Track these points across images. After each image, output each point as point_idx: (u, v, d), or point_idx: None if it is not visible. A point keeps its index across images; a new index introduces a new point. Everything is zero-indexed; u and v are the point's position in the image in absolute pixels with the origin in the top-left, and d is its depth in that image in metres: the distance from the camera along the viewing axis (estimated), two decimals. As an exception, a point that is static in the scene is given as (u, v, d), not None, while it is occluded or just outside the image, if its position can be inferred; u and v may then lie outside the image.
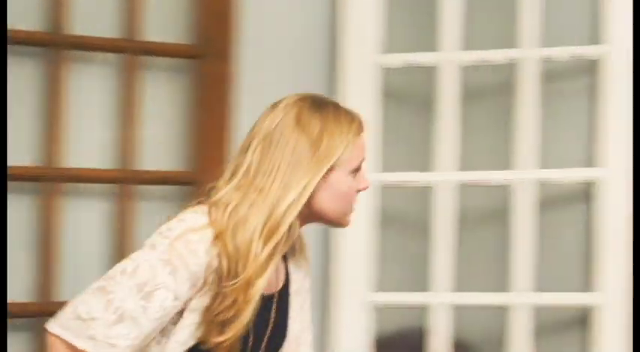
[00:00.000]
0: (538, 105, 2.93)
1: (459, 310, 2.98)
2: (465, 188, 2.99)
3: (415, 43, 3.08)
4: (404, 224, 3.19)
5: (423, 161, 3.01)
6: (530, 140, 2.93)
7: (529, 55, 2.92)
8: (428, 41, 2.99)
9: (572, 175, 2.97)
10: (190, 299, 1.90)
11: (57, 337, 1.86)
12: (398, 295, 3.03)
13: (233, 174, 1.94)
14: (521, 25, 2.93)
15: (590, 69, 2.98)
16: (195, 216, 1.90)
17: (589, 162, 2.98)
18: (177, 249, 1.86)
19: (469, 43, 2.96)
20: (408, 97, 3.20)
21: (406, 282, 3.12)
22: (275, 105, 1.97)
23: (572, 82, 3.07)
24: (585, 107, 3.01)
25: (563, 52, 2.96)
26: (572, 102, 3.07)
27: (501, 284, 2.94)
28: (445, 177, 2.96)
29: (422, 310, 2.99)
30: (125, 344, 1.85)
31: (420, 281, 3.01)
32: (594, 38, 2.94)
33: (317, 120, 1.93)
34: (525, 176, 2.93)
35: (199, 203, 1.95)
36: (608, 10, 2.90)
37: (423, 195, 3.00)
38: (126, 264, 1.89)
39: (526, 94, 2.93)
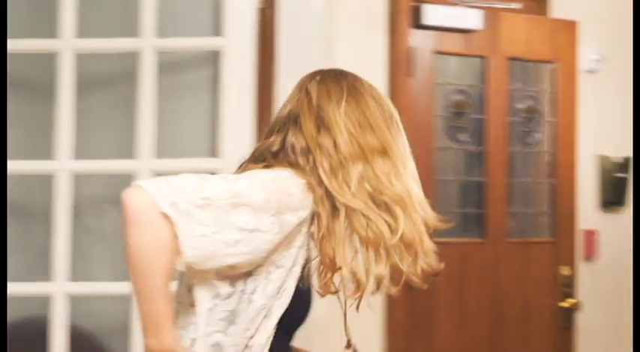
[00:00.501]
0: (159, 96, 2.94)
1: (82, 300, 2.96)
2: (84, 177, 2.97)
3: (36, 28, 3.04)
4: (28, 213, 3.15)
5: (45, 149, 2.97)
6: (150, 130, 2.93)
7: (147, 44, 2.92)
8: (49, 27, 2.95)
9: (193, 165, 2.99)
10: (274, 250, 1.95)
11: (141, 192, 1.83)
12: (20, 285, 2.99)
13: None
14: (142, 14, 2.93)
15: (213, 60, 3.02)
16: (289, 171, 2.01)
17: (212, 151, 3.02)
18: (279, 191, 1.95)
19: (90, 31, 2.94)
20: (30, 84, 3.15)
21: (31, 272, 3.09)
22: None
23: (196, 73, 3.09)
24: (209, 98, 3.04)
25: (181, 43, 2.98)
26: (195, 93, 3.09)
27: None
28: (64, 166, 2.94)
29: (45, 300, 2.96)
30: (200, 232, 1.86)
31: (44, 271, 2.99)
32: (217, 30, 2.98)
33: None
34: (145, 165, 2.93)
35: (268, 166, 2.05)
36: (229, 2, 2.94)
37: (45, 183, 2.97)
38: (229, 176, 1.97)
39: (146, 84, 2.93)
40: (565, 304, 4.39)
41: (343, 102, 2.10)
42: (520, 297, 4.39)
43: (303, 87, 2.14)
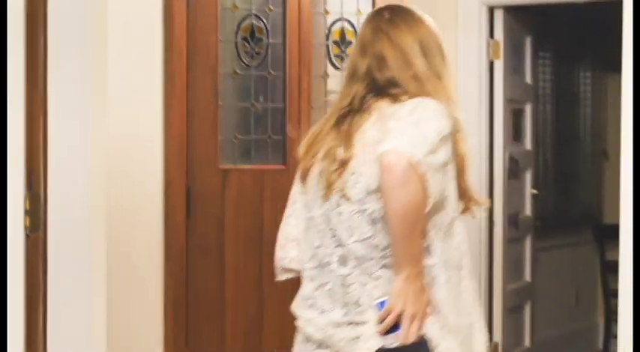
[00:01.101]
0: None
1: None
2: None
3: None
4: None
5: None
6: None
7: None
8: None
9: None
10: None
11: (402, 157, 2.29)
12: None
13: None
14: None
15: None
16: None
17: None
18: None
19: None
20: None
21: None
22: None
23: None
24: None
25: None
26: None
27: None
28: None
29: None
30: (437, 179, 2.38)
31: None
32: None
33: None
34: None
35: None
36: None
37: None
38: (421, 115, 2.42)
39: None
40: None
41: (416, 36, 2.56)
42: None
43: (377, 28, 2.56)
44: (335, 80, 4.53)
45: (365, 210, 2.40)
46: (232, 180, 4.46)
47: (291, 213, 2.64)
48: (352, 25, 4.56)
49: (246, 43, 4.47)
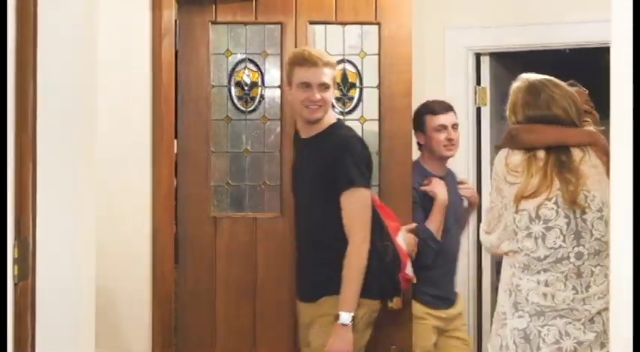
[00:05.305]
0: None
1: None
2: None
3: None
4: None
5: None
6: None
7: None
8: None
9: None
10: None
11: None
12: None
13: None
14: None
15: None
16: None
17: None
18: None
19: None
20: None
21: None
22: None
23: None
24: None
25: None
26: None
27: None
28: None
29: None
30: None
31: None
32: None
33: None
34: None
35: None
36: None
37: None
38: None
39: None
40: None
41: None
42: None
43: None
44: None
45: None
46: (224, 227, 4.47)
47: None
48: (355, 66, 4.54)
49: (240, 89, 4.48)
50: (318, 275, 4.06)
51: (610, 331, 2.87)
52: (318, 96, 4.01)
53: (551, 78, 3.52)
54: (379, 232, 4.07)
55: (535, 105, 3.42)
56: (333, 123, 4.15)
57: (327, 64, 4.05)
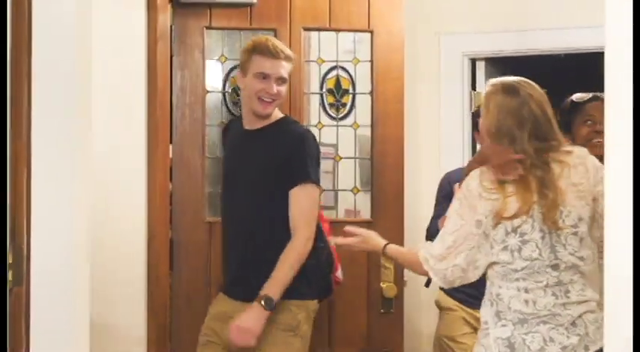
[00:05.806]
0: None
1: None
2: None
3: None
4: None
5: None
6: None
7: None
8: None
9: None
10: None
11: None
12: None
13: None
14: None
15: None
16: None
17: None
18: None
19: None
20: None
21: None
22: None
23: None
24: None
25: None
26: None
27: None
28: None
29: None
30: None
31: None
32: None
33: None
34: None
35: None
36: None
37: None
38: None
39: None
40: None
41: None
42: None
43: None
44: (330, 130, 4.52)
45: None
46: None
47: None
48: (348, 73, 4.54)
49: (235, 95, 4.48)
50: (257, 276, 3.84)
51: (609, 331, 2.87)
52: (275, 89, 3.89)
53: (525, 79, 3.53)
54: (318, 232, 3.95)
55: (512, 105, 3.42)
56: (283, 117, 4.03)
57: (287, 58, 3.92)
